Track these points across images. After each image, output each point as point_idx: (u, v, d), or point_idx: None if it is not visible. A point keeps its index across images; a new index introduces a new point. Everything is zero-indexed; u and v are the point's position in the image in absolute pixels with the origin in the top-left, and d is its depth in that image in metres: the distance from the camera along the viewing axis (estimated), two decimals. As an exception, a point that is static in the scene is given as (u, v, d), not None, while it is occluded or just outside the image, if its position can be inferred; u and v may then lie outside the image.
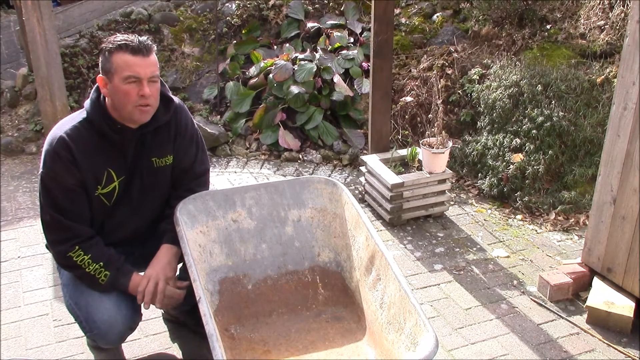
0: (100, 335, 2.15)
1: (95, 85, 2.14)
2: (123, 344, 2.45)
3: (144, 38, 2.06)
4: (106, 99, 2.10)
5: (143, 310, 2.27)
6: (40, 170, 2.10)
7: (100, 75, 2.06)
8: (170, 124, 2.26)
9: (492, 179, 4.00)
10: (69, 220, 2.09)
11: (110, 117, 2.10)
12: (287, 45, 5.24)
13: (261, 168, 4.53)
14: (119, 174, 2.18)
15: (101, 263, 2.12)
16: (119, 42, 2.01)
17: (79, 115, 2.14)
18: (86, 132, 2.10)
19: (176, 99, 2.30)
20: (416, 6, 5.46)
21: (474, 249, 3.46)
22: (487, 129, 4.24)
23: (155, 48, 2.10)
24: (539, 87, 4.09)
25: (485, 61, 4.60)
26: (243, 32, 5.47)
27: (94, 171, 2.12)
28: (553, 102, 4.03)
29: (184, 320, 2.69)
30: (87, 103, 2.13)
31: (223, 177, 4.38)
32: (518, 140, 3.99)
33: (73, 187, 2.09)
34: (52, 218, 2.09)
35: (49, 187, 2.08)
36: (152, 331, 2.75)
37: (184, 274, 2.27)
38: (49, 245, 2.18)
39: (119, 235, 2.28)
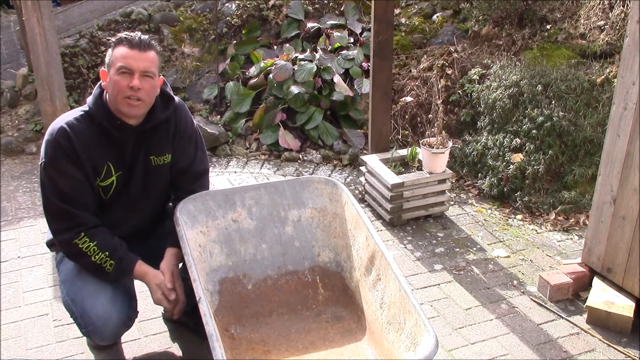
0: (96, 331, 2.15)
1: (99, 82, 2.18)
2: (123, 344, 2.45)
3: (146, 37, 2.12)
4: (107, 94, 2.13)
5: (141, 309, 2.27)
6: (42, 160, 2.09)
7: (104, 68, 2.13)
8: (169, 123, 2.27)
9: (492, 179, 4.00)
10: (74, 208, 2.10)
11: (111, 112, 2.12)
12: (287, 45, 5.24)
13: (261, 168, 4.53)
14: (117, 168, 2.19)
15: (107, 252, 2.13)
16: (120, 37, 2.10)
17: (80, 109, 2.17)
18: (86, 126, 2.12)
19: (177, 98, 2.31)
20: (416, 6, 5.46)
21: (474, 249, 3.45)
22: (487, 129, 4.24)
23: (157, 47, 2.14)
24: (539, 87, 4.09)
25: (485, 61, 4.59)
26: (243, 32, 5.47)
27: (94, 163, 2.13)
28: (553, 102, 4.03)
29: (184, 320, 2.69)
30: (89, 99, 2.17)
31: (223, 177, 4.38)
32: (518, 140, 3.98)
33: (75, 175, 2.09)
34: (57, 206, 2.09)
35: (51, 176, 2.08)
36: (152, 331, 2.75)
37: (184, 274, 2.27)
38: (54, 235, 2.18)
39: (117, 233, 2.27)
